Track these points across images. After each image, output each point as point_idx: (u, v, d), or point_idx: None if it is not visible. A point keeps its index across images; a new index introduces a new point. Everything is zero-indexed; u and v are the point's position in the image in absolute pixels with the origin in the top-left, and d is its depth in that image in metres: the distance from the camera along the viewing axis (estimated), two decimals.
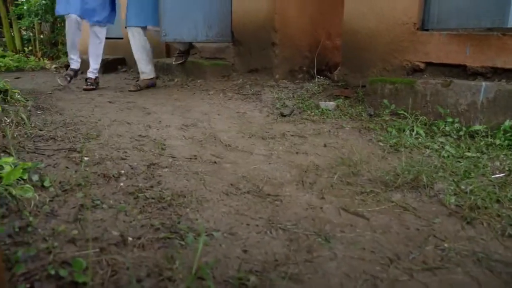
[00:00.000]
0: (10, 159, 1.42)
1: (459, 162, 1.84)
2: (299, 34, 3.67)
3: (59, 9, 3.44)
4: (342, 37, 3.23)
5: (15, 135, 1.94)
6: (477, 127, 2.22)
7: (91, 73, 3.67)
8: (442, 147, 2.05)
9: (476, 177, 1.64)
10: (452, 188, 1.54)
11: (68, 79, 3.61)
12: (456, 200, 1.45)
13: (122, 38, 4.96)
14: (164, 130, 2.23)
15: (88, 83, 3.62)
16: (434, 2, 2.74)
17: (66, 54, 4.27)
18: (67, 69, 3.78)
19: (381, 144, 2.12)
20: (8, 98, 2.54)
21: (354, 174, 1.70)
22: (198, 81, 3.65)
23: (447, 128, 2.26)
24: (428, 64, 2.78)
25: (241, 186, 1.54)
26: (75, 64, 3.64)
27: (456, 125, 2.28)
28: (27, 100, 2.68)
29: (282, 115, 2.60)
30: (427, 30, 2.79)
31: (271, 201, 1.42)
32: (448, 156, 1.92)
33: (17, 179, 1.35)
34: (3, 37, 7.75)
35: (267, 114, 2.68)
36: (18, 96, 2.68)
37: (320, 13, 3.82)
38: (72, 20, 3.38)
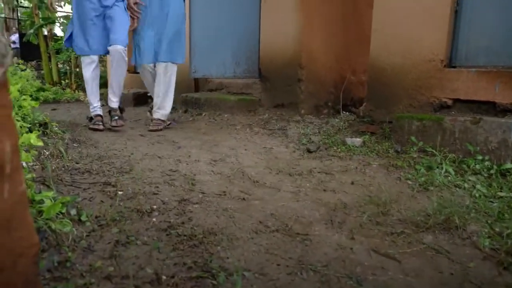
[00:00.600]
0: (50, 193, 1.48)
1: (492, 202, 1.80)
2: (325, 70, 3.75)
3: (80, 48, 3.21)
4: (368, 74, 3.27)
5: (53, 167, 2.02)
6: (509, 165, 2.18)
7: (114, 103, 3.36)
8: (473, 186, 2.01)
9: (511, 219, 1.60)
10: (486, 230, 1.51)
11: (101, 124, 3.24)
12: (490, 243, 1.41)
13: None
14: (194, 165, 2.29)
15: (115, 117, 3.27)
16: (462, 41, 2.77)
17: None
18: (90, 121, 3.36)
19: (409, 182, 2.10)
20: (48, 130, 2.68)
21: (384, 214, 1.68)
22: (225, 115, 3.74)
23: (477, 166, 2.22)
24: (456, 100, 2.78)
25: (270, 224, 1.56)
26: (99, 110, 3.34)
27: (486, 163, 2.24)
28: (64, 133, 2.80)
29: (309, 151, 2.63)
30: (454, 67, 2.81)
31: (301, 240, 1.43)
32: (480, 196, 1.89)
33: (56, 213, 1.42)
34: (42, 69, 8.21)
35: (293, 149, 2.71)
36: (56, 129, 2.81)
37: (345, 50, 3.90)
38: (92, 61, 3.24)
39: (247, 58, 3.83)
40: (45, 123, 2.74)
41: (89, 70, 3.24)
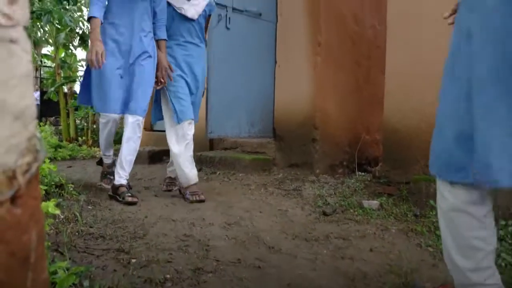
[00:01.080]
0: (64, 264, 1.46)
1: None
2: (339, 130, 3.79)
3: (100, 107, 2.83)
4: (383, 135, 3.28)
5: (67, 231, 2.02)
6: None
7: (124, 179, 2.82)
8: (498, 254, 1.93)
9: None
10: None
11: (112, 177, 3.02)
12: None
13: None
14: (208, 229, 2.26)
15: (127, 193, 2.74)
16: None
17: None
18: (100, 163, 3.28)
19: (430, 249, 2.03)
20: (64, 192, 2.70)
21: (405, 285, 1.61)
22: (240, 174, 3.74)
23: (501, 232, 2.14)
24: None
25: None
26: (110, 159, 3.14)
27: (510, 228, 2.16)
28: (80, 194, 2.82)
29: (325, 214, 2.58)
30: None
31: None
32: (506, 266, 1.80)
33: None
34: (60, 125, 8.47)
35: (309, 212, 2.67)
36: (71, 189, 2.83)
37: (358, 111, 3.97)
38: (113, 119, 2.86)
39: (261, 118, 3.92)
40: (61, 185, 2.77)
41: (105, 130, 2.90)
